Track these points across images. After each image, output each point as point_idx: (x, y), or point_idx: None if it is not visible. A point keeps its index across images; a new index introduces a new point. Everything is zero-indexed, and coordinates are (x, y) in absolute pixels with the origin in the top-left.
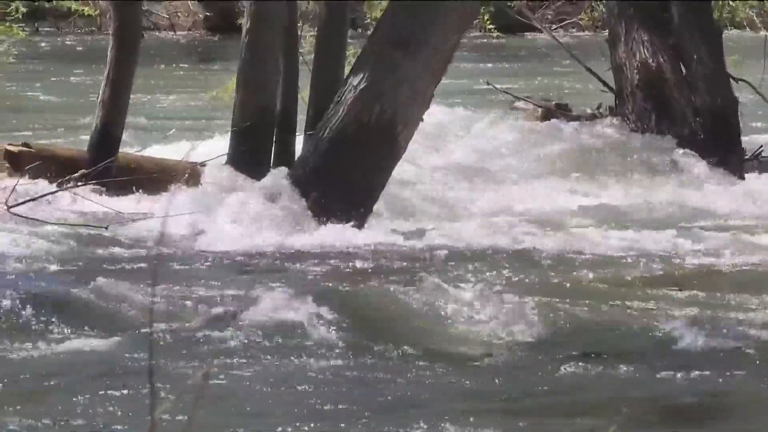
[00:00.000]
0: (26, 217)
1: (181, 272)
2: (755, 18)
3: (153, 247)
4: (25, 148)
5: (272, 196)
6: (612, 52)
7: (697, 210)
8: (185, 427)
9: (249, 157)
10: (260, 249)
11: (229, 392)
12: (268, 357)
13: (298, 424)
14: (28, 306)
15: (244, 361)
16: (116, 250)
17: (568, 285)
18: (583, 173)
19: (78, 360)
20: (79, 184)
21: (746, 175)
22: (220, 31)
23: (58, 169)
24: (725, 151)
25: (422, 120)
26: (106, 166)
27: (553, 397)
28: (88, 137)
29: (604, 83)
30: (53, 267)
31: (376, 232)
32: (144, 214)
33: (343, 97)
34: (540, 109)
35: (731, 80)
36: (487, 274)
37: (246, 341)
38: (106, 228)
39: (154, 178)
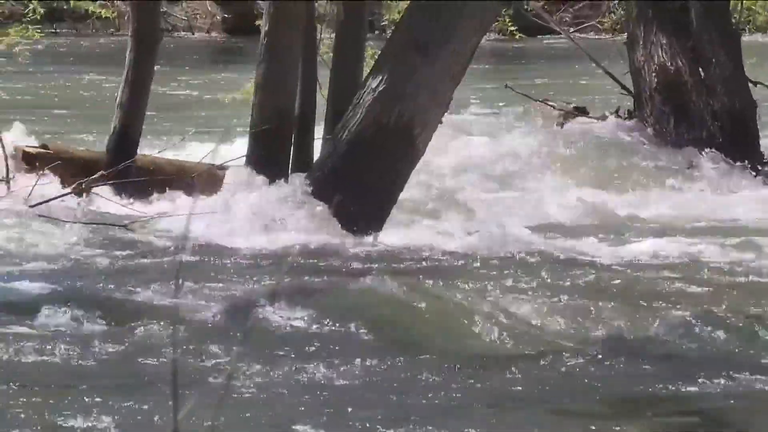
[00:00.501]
0: (47, 216)
1: (201, 273)
2: None
3: (175, 249)
4: (43, 150)
5: (291, 198)
6: (630, 54)
7: (716, 213)
8: (208, 430)
9: (267, 159)
10: (279, 251)
11: (251, 395)
12: (290, 360)
13: (322, 430)
14: (47, 306)
15: (266, 363)
16: (136, 249)
17: (593, 288)
18: (600, 176)
19: (97, 361)
20: (98, 184)
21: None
22: (238, 33)
23: (76, 170)
24: (744, 155)
25: (441, 122)
26: (124, 167)
27: (579, 399)
28: (106, 139)
29: (623, 86)
30: (73, 266)
31: (395, 235)
32: (164, 214)
33: (361, 100)
34: (558, 112)
35: (750, 83)
36: (510, 276)
37: (268, 343)
38: (126, 227)
39: (172, 180)
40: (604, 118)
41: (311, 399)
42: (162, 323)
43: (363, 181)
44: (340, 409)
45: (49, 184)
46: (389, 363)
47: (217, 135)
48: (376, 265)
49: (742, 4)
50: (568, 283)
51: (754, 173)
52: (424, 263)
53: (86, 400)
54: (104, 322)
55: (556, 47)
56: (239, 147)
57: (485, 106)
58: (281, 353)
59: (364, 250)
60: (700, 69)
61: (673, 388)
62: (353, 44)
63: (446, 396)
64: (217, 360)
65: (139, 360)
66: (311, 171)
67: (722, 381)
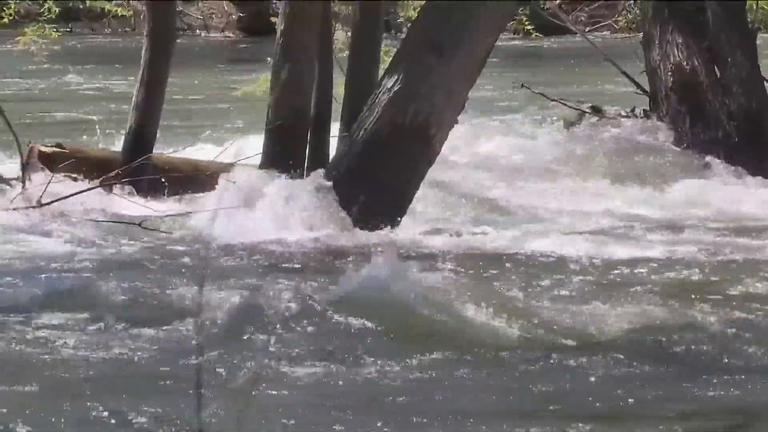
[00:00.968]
0: (61, 215)
1: (221, 272)
2: None
3: (199, 247)
4: (58, 149)
5: (306, 196)
6: (646, 54)
7: (731, 213)
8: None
9: (283, 158)
10: (294, 250)
11: (275, 396)
12: (314, 361)
13: (343, 428)
14: (62, 305)
15: (290, 364)
16: (150, 248)
17: (611, 286)
18: (615, 175)
19: (118, 361)
20: (113, 183)
21: None
22: (254, 32)
23: (91, 169)
24: (760, 154)
25: (456, 122)
26: (139, 166)
27: (591, 402)
28: (121, 139)
29: (638, 86)
30: (87, 265)
31: (411, 234)
32: (178, 212)
33: (377, 99)
34: (574, 112)
35: (766, 83)
36: (525, 275)
37: (290, 341)
38: (140, 225)
39: (187, 179)
40: (619, 117)
41: (334, 397)
42: (183, 323)
43: (379, 181)
44: (363, 407)
45: (65, 183)
46: (406, 361)
47: (232, 134)
48: (392, 264)
49: (758, 3)
50: (585, 282)
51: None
52: (438, 262)
53: (109, 399)
54: (122, 322)
55: (572, 47)
56: (255, 146)
57: (500, 105)
58: (303, 351)
59: (380, 249)
60: (716, 69)
61: (692, 388)
62: (369, 44)
63: (463, 395)
64: (241, 359)
65: (162, 359)
66: (327, 170)
67: (742, 382)
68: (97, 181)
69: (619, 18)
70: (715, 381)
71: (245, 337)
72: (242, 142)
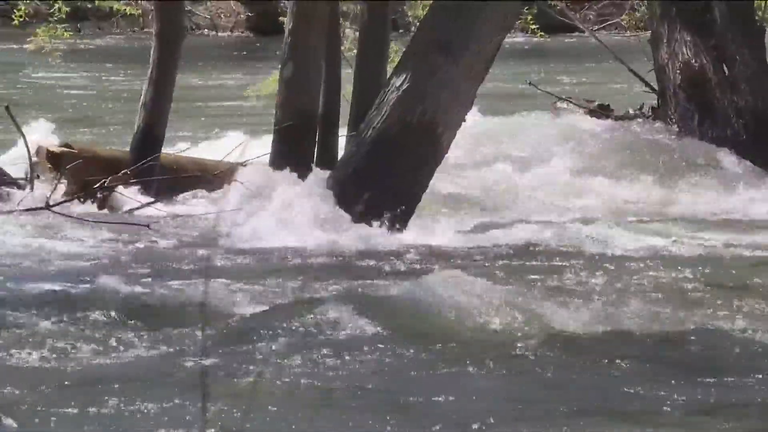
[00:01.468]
0: (68, 216)
1: (226, 272)
2: None
3: (199, 247)
4: (66, 149)
5: (315, 196)
6: (654, 52)
7: (739, 210)
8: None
9: (291, 157)
10: (303, 250)
11: (279, 394)
12: (319, 360)
13: (347, 427)
14: (69, 306)
15: (296, 363)
16: (158, 249)
17: (620, 283)
18: (624, 173)
19: (124, 361)
20: (121, 183)
21: None
22: (262, 31)
23: (99, 169)
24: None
25: (464, 121)
26: (148, 166)
27: (599, 402)
28: (130, 138)
29: (647, 84)
30: (95, 266)
31: (419, 233)
32: (186, 213)
33: (385, 98)
34: (582, 110)
35: None
36: (539, 272)
37: (298, 343)
38: (148, 226)
39: (196, 179)
40: (628, 115)
41: (339, 398)
42: (188, 323)
43: (387, 180)
44: (365, 405)
45: (73, 184)
46: (416, 362)
47: (240, 133)
48: (400, 264)
49: (766, 2)
50: (593, 279)
51: None
52: (449, 261)
53: (113, 399)
54: (128, 322)
55: (580, 45)
56: (263, 146)
57: (509, 104)
58: (310, 351)
59: (389, 248)
60: (724, 66)
61: (712, 387)
62: (377, 43)
63: (469, 393)
64: (246, 359)
65: (167, 360)
66: (335, 169)
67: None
68: (104, 183)
69: (627, 16)
70: (734, 380)
71: (249, 338)
72: (251, 141)
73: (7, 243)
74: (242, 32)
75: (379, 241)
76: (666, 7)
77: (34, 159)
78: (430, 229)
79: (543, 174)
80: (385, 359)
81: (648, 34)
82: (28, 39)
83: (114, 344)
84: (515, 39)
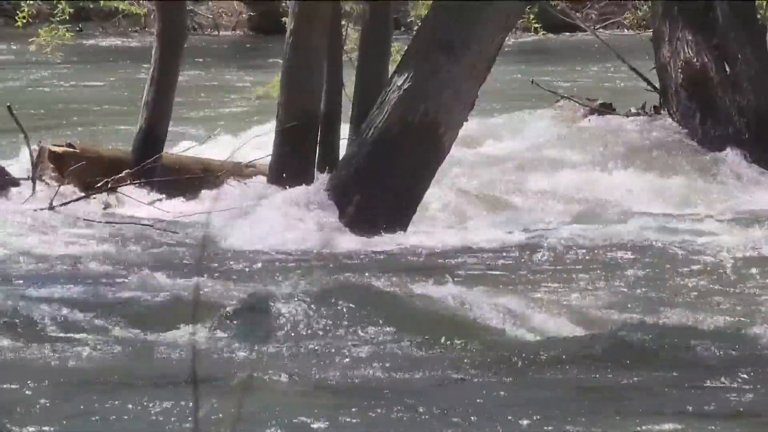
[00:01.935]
0: (71, 216)
1: (226, 272)
2: None
3: (197, 247)
4: (69, 149)
5: (317, 196)
6: (656, 51)
7: (741, 209)
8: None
9: (293, 157)
10: (304, 250)
11: (272, 394)
12: (313, 361)
13: (343, 428)
14: (71, 305)
15: (288, 362)
16: (160, 249)
17: (630, 283)
18: (625, 172)
19: (118, 360)
20: (124, 184)
21: None
22: (264, 31)
23: (102, 169)
24: None
25: (466, 120)
26: (150, 166)
27: (602, 401)
28: (132, 138)
29: (649, 82)
30: (97, 266)
31: (421, 233)
32: (189, 213)
33: (387, 98)
34: (584, 109)
35: None
36: (542, 273)
37: (291, 343)
38: (152, 226)
39: (198, 179)
40: (630, 114)
41: (334, 397)
42: (183, 322)
43: (389, 180)
44: (360, 407)
45: (75, 184)
46: (414, 365)
47: (242, 133)
48: (402, 264)
49: (767, 1)
50: (602, 278)
51: None
52: (449, 260)
53: (107, 398)
54: (126, 321)
55: (582, 44)
56: (266, 145)
57: (511, 103)
58: (304, 352)
59: (390, 248)
60: (726, 65)
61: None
62: (379, 43)
63: (476, 399)
64: (238, 358)
65: (160, 358)
66: (337, 169)
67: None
68: (107, 183)
69: (629, 15)
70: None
71: (245, 338)
72: (253, 141)
73: (10, 243)
74: (244, 32)
75: (381, 241)
76: (668, 5)
77: (36, 159)
78: (432, 228)
79: (545, 173)
80: (385, 359)
81: (650, 32)
82: (31, 39)
83: (107, 341)
84: (522, 39)
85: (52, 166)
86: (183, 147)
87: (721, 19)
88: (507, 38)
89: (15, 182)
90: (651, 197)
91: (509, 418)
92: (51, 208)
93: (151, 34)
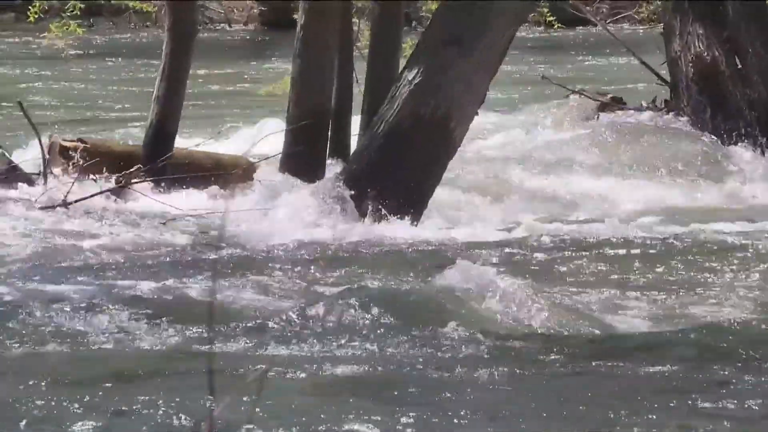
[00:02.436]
0: (83, 212)
1: (238, 268)
2: None
3: (212, 244)
4: (80, 144)
5: (328, 191)
6: (667, 45)
7: (752, 202)
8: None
9: (305, 152)
10: (316, 244)
11: (286, 390)
12: (327, 356)
13: (358, 422)
14: (82, 302)
15: (303, 358)
16: (171, 245)
17: (641, 277)
18: (636, 166)
19: (134, 356)
20: (135, 180)
21: None
22: (275, 26)
23: (112, 164)
24: None
25: (477, 114)
26: (160, 161)
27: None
28: (142, 132)
29: (659, 77)
30: (108, 262)
31: (432, 227)
32: (200, 210)
33: (398, 92)
34: (595, 103)
35: None
36: (553, 267)
37: (306, 339)
38: (164, 223)
39: (209, 174)
40: (640, 108)
41: (348, 393)
42: (198, 319)
43: (400, 173)
44: (375, 402)
45: (86, 179)
46: (429, 360)
47: (252, 128)
48: (413, 258)
49: None
50: (613, 272)
51: None
52: (461, 254)
53: (123, 395)
54: (140, 319)
55: (593, 38)
56: (276, 141)
57: (521, 97)
58: (319, 347)
59: (401, 242)
60: (737, 59)
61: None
62: (389, 37)
63: (487, 395)
64: (253, 354)
65: (176, 356)
66: (348, 164)
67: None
68: (119, 179)
69: (640, 9)
70: None
71: (258, 332)
72: (264, 136)
73: (22, 240)
74: (255, 27)
75: (392, 235)
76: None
77: (47, 154)
78: (443, 222)
79: (554, 168)
80: (399, 354)
81: (661, 26)
82: (42, 34)
83: (122, 338)
84: (533, 34)
85: (63, 160)
86: (194, 142)
87: (732, 13)
88: (517, 32)
89: (26, 177)
90: (661, 191)
91: (523, 412)
92: (64, 204)
93: (161, 29)
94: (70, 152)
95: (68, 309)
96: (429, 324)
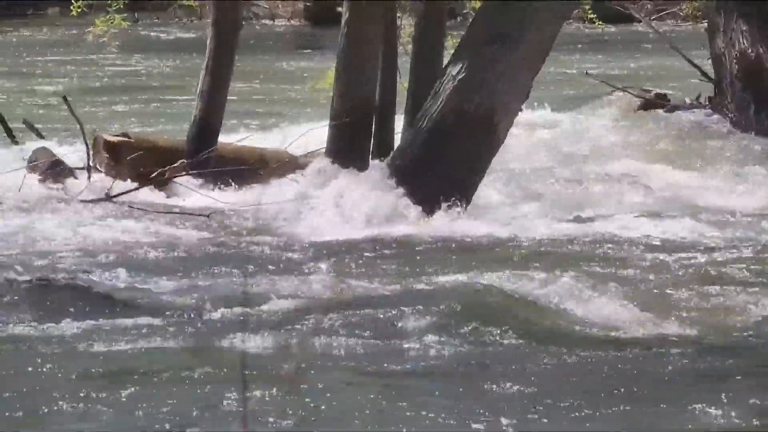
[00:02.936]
0: (127, 206)
1: (278, 262)
2: None
3: (260, 237)
4: (124, 139)
5: (372, 186)
6: (711, 42)
7: None
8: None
9: (348, 148)
10: (361, 239)
11: (323, 383)
12: (370, 351)
13: (402, 419)
14: (124, 295)
15: (339, 353)
16: (215, 239)
17: (688, 274)
18: (680, 163)
19: (167, 348)
20: (180, 174)
21: None
22: (320, 21)
23: (157, 159)
24: None
25: (521, 110)
26: (205, 156)
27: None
28: (186, 127)
29: (703, 73)
30: (150, 256)
31: (476, 220)
32: (245, 203)
33: (442, 88)
34: (638, 99)
35: None
36: (594, 262)
37: (344, 332)
38: (208, 216)
39: (253, 168)
40: (684, 105)
41: (388, 385)
42: (235, 312)
43: (444, 169)
44: (419, 393)
45: (130, 173)
46: (478, 351)
47: (297, 123)
48: (458, 252)
49: None
50: (658, 270)
51: None
52: (506, 247)
53: (156, 391)
54: (178, 312)
55: (637, 35)
56: (321, 136)
57: (565, 93)
58: (356, 341)
59: (446, 236)
60: None
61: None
62: (433, 34)
63: (541, 385)
64: (290, 349)
65: (211, 349)
66: (392, 159)
67: None
68: (164, 174)
69: (684, 6)
70: None
71: (292, 325)
72: (309, 131)
73: (65, 233)
74: (300, 22)
75: (436, 230)
76: None
77: (92, 149)
78: (487, 216)
79: (599, 163)
80: (444, 347)
81: (705, 23)
82: (87, 29)
83: (156, 333)
84: (576, 30)
85: (107, 155)
86: (238, 136)
87: None
88: (561, 28)
89: (71, 172)
90: (705, 188)
91: (567, 402)
92: (107, 198)
93: (206, 24)
94: (115, 147)
95: (106, 302)
96: (473, 319)
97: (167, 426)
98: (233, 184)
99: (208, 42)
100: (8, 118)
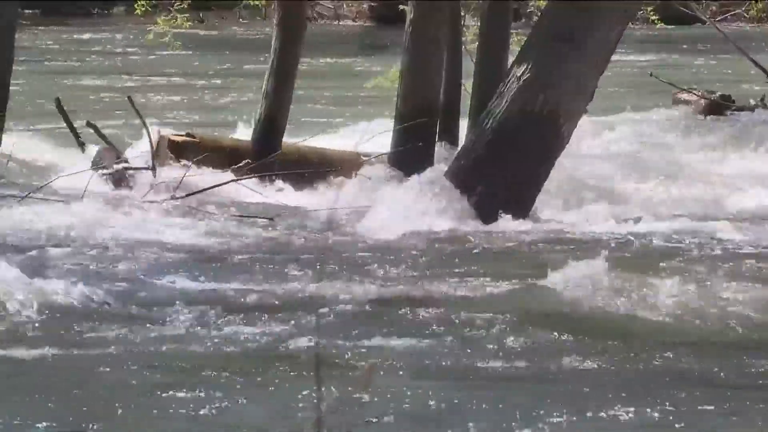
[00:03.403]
0: (193, 208)
1: (345, 262)
2: None
3: (324, 238)
4: (189, 138)
5: (436, 186)
6: None
7: None
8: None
9: (413, 149)
10: (426, 239)
11: (394, 384)
12: (436, 349)
13: (467, 417)
14: (189, 296)
15: (411, 352)
16: (280, 241)
17: (757, 277)
18: (745, 165)
19: (240, 350)
20: (246, 177)
21: None
22: (385, 21)
23: (221, 159)
24: None
25: (586, 111)
26: (268, 156)
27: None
28: (251, 127)
29: None
30: (216, 257)
31: (541, 221)
32: (309, 207)
33: (506, 88)
34: (704, 101)
35: None
36: (665, 263)
37: (412, 332)
38: (272, 219)
39: (317, 170)
40: (748, 106)
41: (458, 384)
42: (304, 313)
43: (508, 169)
44: (485, 393)
45: (195, 174)
46: (547, 356)
47: (362, 124)
48: (523, 254)
49: None
50: (724, 272)
51: None
52: (572, 250)
53: (229, 388)
54: (247, 313)
55: (701, 36)
56: (385, 136)
57: (629, 94)
58: (423, 339)
59: (509, 237)
60: None
61: None
62: (498, 34)
63: (612, 385)
64: (360, 349)
65: (283, 349)
66: (456, 159)
67: None
68: (230, 174)
69: (749, 8)
70: None
71: (363, 326)
72: (373, 132)
73: (131, 234)
74: (365, 22)
75: (500, 230)
76: None
77: (156, 148)
78: (551, 217)
79: (663, 165)
80: (511, 345)
81: None
82: (149, 28)
83: (226, 334)
84: (641, 31)
85: (171, 155)
86: (302, 136)
87: None
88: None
89: (136, 171)
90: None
91: (632, 405)
92: (173, 198)
93: (271, 24)
94: (180, 146)
95: (174, 304)
96: (539, 320)
97: (244, 431)
98: (296, 184)
99: (272, 42)
100: (72, 119)
